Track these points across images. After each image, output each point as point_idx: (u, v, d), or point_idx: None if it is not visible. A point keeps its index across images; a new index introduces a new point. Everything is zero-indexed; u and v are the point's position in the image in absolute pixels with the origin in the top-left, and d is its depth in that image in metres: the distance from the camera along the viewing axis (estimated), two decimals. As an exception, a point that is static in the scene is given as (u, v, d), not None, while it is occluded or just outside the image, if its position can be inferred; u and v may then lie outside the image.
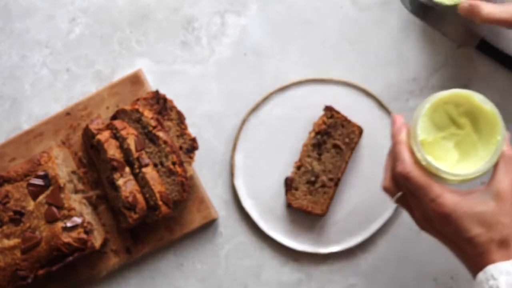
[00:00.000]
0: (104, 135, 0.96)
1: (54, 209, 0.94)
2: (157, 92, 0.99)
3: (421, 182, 0.78)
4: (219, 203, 1.04)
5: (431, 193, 0.77)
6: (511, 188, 0.77)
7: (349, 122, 0.99)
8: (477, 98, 0.80)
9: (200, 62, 1.05)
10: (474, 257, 0.77)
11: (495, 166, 0.79)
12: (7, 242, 0.94)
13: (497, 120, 0.79)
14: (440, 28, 1.02)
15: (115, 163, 0.95)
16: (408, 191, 0.81)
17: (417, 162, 0.80)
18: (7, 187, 0.95)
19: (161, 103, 0.98)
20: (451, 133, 0.82)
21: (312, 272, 1.03)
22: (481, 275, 0.75)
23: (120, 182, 0.95)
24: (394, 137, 0.83)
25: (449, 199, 0.77)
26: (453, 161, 0.82)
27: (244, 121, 1.02)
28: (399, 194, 0.83)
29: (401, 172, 0.79)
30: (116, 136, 0.97)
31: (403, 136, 0.82)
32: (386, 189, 0.84)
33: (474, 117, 0.82)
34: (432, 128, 0.82)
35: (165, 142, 0.96)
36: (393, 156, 0.82)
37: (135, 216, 0.95)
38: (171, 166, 0.96)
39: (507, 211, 0.76)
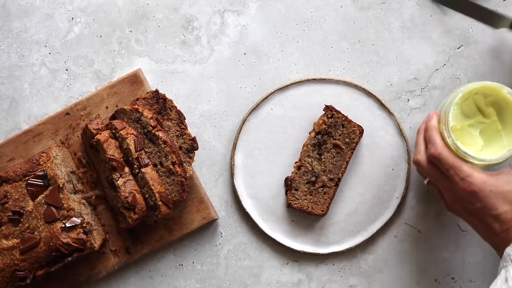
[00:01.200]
0: (104, 135, 0.96)
1: (53, 209, 0.94)
2: (156, 92, 0.98)
3: (451, 162, 0.86)
4: (219, 203, 1.03)
5: (461, 172, 0.85)
6: None
7: (349, 121, 0.99)
8: (506, 91, 0.88)
9: (200, 62, 1.04)
10: (501, 233, 0.83)
11: None
12: (6, 243, 0.94)
13: None
14: (473, 15, 1.01)
15: (114, 163, 0.95)
16: (438, 173, 0.88)
17: (447, 146, 0.88)
18: (6, 187, 0.95)
19: (160, 103, 0.98)
20: (477, 121, 0.91)
21: (312, 272, 1.03)
22: (508, 249, 0.80)
23: (120, 182, 0.94)
24: (426, 123, 0.91)
25: (477, 178, 0.84)
26: (478, 147, 0.89)
27: (244, 121, 1.02)
28: (427, 180, 0.91)
29: (433, 153, 0.87)
30: (115, 136, 0.97)
31: (434, 122, 0.90)
32: (417, 163, 0.91)
33: (499, 107, 0.90)
34: (461, 116, 0.90)
35: (164, 142, 0.96)
36: (426, 139, 0.90)
37: (135, 216, 0.94)
38: (171, 166, 0.96)
39: None
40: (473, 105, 0.91)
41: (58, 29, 1.05)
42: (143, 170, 0.95)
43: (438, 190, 0.92)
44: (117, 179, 0.94)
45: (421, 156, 0.90)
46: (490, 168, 0.90)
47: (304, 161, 0.99)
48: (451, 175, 0.86)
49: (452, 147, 0.87)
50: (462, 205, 0.86)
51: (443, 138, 0.88)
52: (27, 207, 0.94)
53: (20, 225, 0.94)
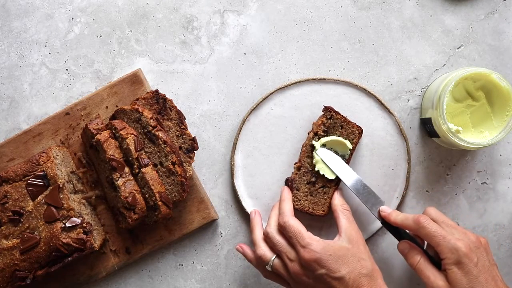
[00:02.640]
0: (104, 135, 0.96)
1: (53, 209, 0.94)
2: (156, 92, 0.98)
3: (294, 229, 0.91)
4: (219, 203, 1.03)
5: (303, 240, 0.89)
6: (358, 233, 0.92)
7: (348, 122, 0.98)
8: (495, 75, 0.92)
9: (200, 62, 1.04)
10: None
11: (337, 218, 0.93)
12: (6, 243, 0.94)
13: (511, 96, 0.92)
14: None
15: (114, 163, 0.94)
16: (285, 243, 0.91)
17: (442, 132, 0.92)
18: (6, 187, 0.95)
19: (160, 103, 0.98)
20: (467, 104, 0.95)
21: (312, 272, 1.03)
22: None
23: (120, 182, 0.94)
24: (280, 195, 0.97)
25: (317, 245, 0.89)
26: (469, 129, 0.93)
27: (244, 121, 1.02)
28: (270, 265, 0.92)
29: (280, 221, 0.92)
30: (115, 136, 0.97)
31: (286, 194, 0.97)
32: (265, 233, 0.94)
33: (488, 90, 0.95)
34: (452, 101, 0.94)
35: (164, 142, 0.96)
36: (279, 210, 0.95)
37: (135, 216, 0.94)
38: (171, 166, 0.96)
39: (362, 250, 0.90)
40: (463, 89, 0.95)
41: (58, 29, 1.05)
42: (143, 170, 0.95)
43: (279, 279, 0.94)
44: (117, 179, 0.94)
45: (271, 228, 0.94)
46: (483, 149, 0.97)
47: (304, 161, 0.99)
48: (294, 243, 0.90)
49: (448, 133, 0.92)
50: (307, 275, 0.89)
51: (438, 125, 0.93)
52: (27, 207, 0.94)
53: (20, 225, 0.94)
